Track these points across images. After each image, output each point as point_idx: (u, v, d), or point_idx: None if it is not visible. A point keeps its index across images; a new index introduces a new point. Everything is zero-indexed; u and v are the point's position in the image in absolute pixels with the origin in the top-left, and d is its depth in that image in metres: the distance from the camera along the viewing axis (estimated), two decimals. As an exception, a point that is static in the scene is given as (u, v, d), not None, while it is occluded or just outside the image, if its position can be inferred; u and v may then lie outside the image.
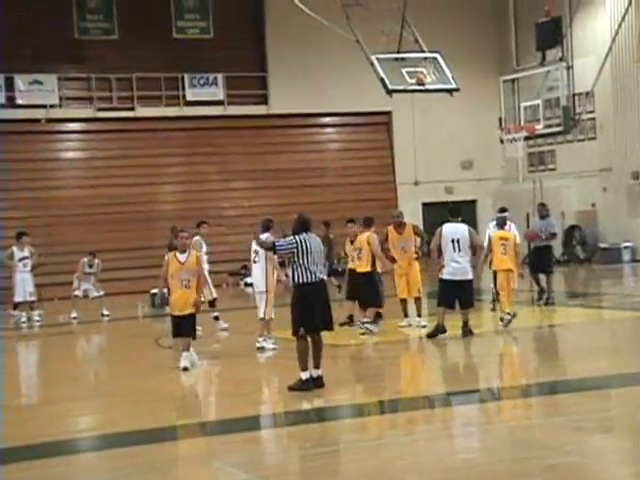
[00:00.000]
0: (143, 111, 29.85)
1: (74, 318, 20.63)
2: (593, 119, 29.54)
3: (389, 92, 22.38)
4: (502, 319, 15.28)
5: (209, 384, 13.00)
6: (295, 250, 10.86)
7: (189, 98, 30.24)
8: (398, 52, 23.08)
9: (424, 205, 31.25)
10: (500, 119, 27.33)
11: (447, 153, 32.04)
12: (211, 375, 13.49)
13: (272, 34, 31.01)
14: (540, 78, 27.84)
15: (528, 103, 28.10)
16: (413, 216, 26.76)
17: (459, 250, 14.31)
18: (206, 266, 15.76)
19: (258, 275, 14.40)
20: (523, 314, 16.25)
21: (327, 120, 32.48)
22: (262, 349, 14.27)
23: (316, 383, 10.89)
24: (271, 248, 11.48)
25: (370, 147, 32.46)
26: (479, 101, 31.21)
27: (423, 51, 23.03)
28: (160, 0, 29.23)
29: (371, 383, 11.89)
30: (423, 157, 32.03)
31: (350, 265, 16.05)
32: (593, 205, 29.67)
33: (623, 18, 26.88)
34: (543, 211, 19.13)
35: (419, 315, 15.94)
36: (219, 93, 30.45)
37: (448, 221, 14.66)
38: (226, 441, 9.26)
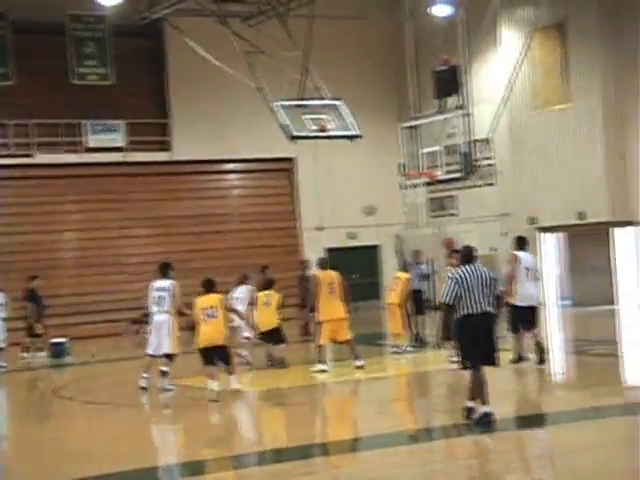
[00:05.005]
0: (42, 158, 29.35)
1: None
2: (492, 165, 30.12)
3: (292, 138, 22.51)
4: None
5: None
6: (457, 287, 10.58)
7: (90, 145, 29.86)
8: (301, 99, 23.26)
9: (329, 250, 31.35)
10: (400, 165, 27.69)
11: (350, 199, 32.25)
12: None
13: (174, 81, 30.90)
14: (439, 125, 28.33)
15: (428, 149, 28.56)
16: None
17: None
18: None
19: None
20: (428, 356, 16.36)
21: (230, 166, 32.42)
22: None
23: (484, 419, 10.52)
24: (446, 306, 10.72)
25: (273, 193, 32.50)
26: (380, 148, 31.58)
27: (325, 98, 23.27)
28: (58, 46, 28.82)
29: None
30: (327, 203, 32.16)
31: None
32: (493, 249, 30.14)
33: (519, 67, 27.59)
34: (417, 258, 20.04)
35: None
36: (120, 140, 30.16)
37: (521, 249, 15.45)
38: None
